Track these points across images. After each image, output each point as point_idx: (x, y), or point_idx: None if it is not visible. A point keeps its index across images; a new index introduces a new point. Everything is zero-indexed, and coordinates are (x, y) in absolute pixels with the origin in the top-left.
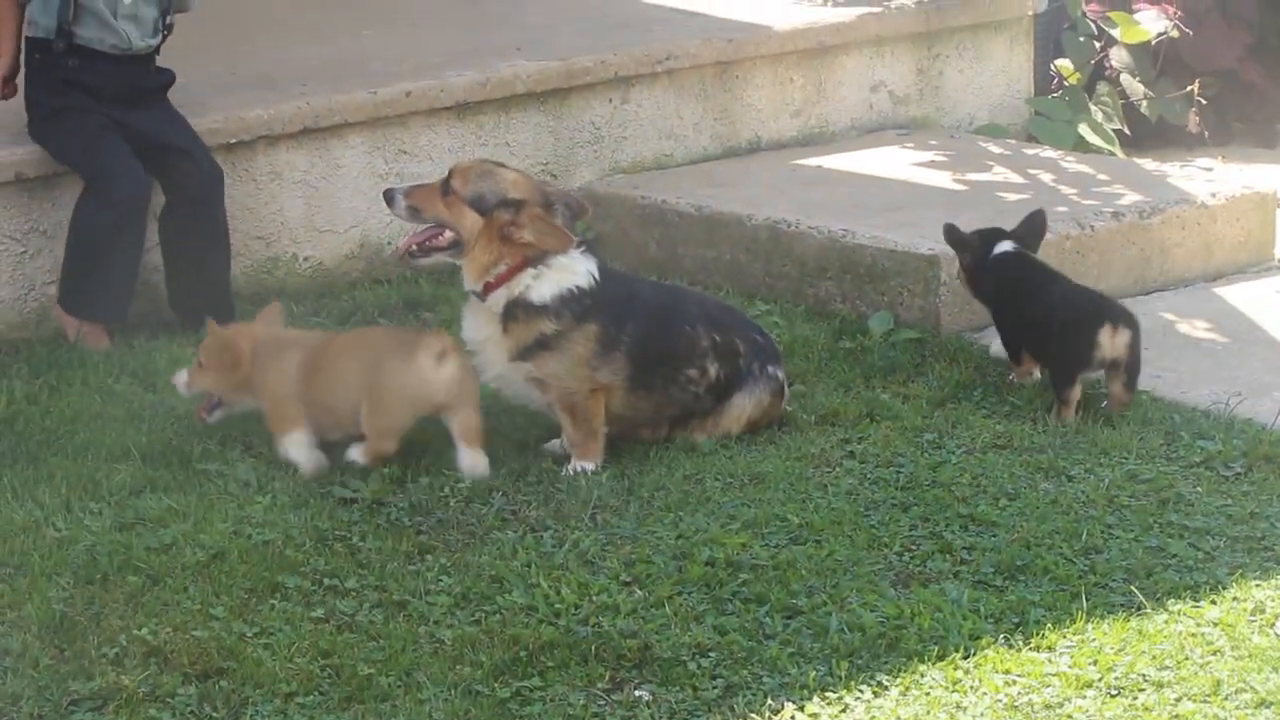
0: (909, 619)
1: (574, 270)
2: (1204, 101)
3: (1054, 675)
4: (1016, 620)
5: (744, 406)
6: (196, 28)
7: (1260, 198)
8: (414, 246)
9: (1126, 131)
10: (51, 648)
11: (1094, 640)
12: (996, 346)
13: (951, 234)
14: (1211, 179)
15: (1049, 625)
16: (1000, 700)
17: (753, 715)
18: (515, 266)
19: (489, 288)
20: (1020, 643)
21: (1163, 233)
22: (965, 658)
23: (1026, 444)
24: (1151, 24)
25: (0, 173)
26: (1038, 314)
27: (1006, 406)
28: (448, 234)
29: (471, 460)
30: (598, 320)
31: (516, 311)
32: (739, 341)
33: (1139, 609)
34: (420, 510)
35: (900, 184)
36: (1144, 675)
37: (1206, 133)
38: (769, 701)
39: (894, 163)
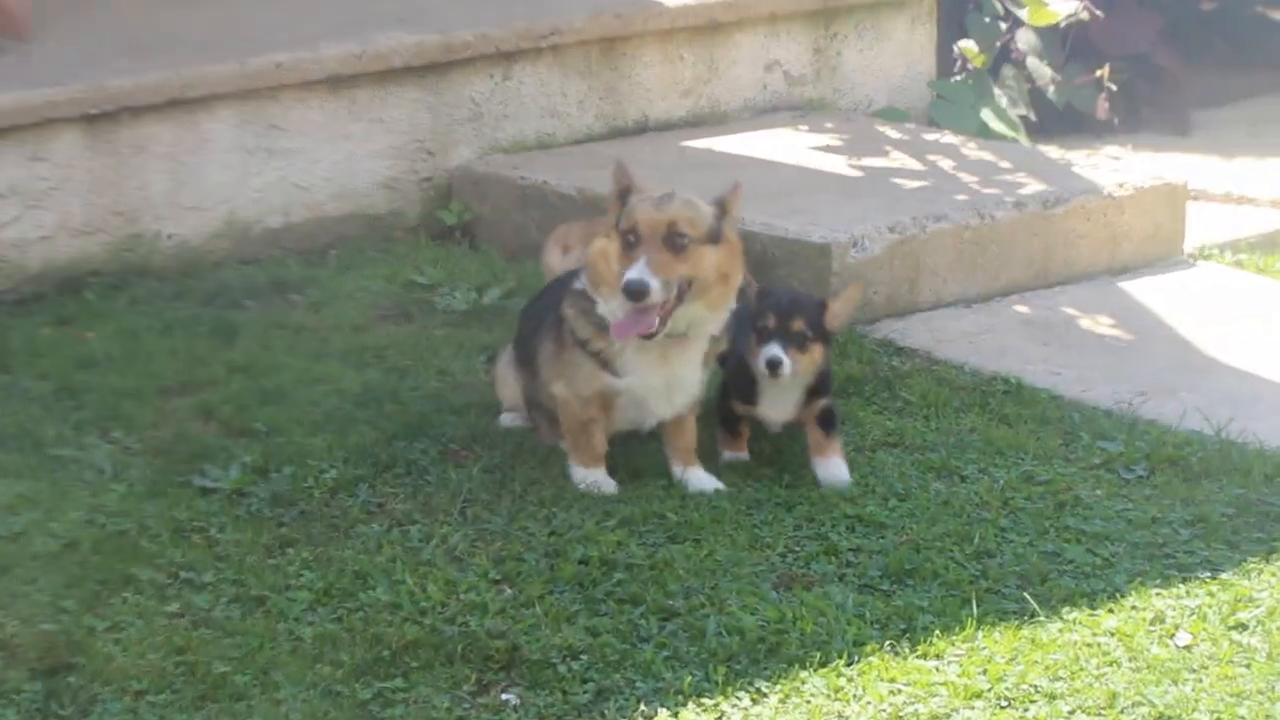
0: (791, 623)
1: None
2: (1114, 87)
3: (941, 684)
4: (903, 626)
5: None
6: None
7: (1170, 189)
8: None
9: (1032, 118)
10: None
11: (984, 649)
12: None
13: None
14: (1119, 169)
15: (937, 632)
16: (884, 710)
17: None
18: None
19: None
20: (907, 650)
21: (1067, 224)
22: (849, 665)
23: (918, 442)
24: (1061, 5)
25: None
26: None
27: (898, 403)
28: None
29: None
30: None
31: None
32: None
33: (1032, 617)
34: (282, 501)
35: (793, 169)
36: (1036, 686)
37: (1116, 120)
38: (642, 707)
39: (788, 146)
